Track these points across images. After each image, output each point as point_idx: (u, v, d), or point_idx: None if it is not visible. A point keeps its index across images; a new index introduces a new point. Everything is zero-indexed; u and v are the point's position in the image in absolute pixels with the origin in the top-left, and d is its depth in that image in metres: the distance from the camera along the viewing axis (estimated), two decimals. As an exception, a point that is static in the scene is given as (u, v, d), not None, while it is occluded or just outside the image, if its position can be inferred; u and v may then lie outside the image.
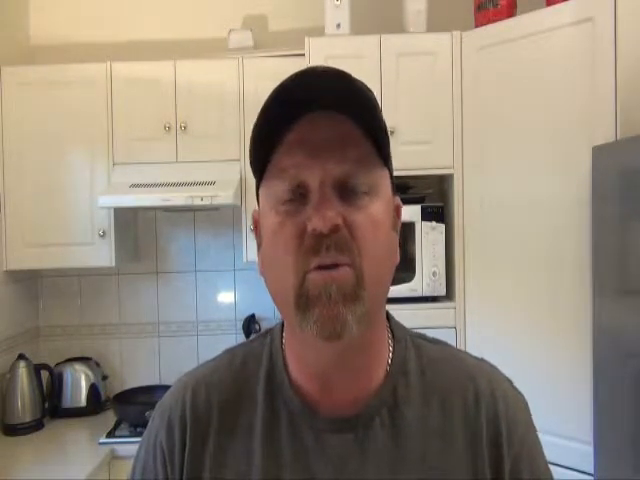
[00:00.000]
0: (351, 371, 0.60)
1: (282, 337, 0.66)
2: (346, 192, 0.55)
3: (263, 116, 0.56)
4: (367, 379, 0.61)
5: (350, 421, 0.60)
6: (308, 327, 0.54)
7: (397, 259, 0.61)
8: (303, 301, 0.54)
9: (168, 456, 0.62)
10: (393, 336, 0.66)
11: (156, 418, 0.66)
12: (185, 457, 0.62)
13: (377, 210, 0.57)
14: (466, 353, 0.71)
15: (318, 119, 0.55)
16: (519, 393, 0.67)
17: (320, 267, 0.54)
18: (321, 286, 0.53)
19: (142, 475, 0.65)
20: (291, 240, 0.55)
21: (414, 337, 0.68)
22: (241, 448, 0.61)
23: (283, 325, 0.66)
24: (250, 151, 0.59)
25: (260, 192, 0.61)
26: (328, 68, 0.55)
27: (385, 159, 0.59)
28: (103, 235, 2.16)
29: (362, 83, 0.56)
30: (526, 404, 0.66)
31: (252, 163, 0.60)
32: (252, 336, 0.76)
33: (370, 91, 0.56)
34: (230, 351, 0.69)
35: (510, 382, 0.67)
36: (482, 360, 0.69)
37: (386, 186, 0.60)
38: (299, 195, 0.55)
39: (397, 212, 0.63)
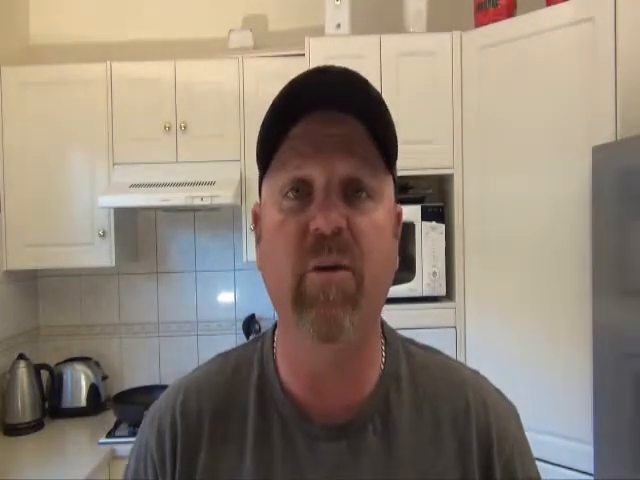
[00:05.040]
0: (344, 375, 0.59)
1: (274, 341, 0.65)
2: (351, 194, 0.55)
3: (272, 110, 0.56)
4: (360, 384, 0.61)
5: (343, 428, 0.59)
6: (304, 327, 0.54)
7: (396, 266, 0.61)
8: (300, 301, 0.54)
9: (159, 465, 0.62)
10: (385, 341, 0.65)
11: (146, 425, 0.65)
12: (177, 466, 0.61)
13: (380, 216, 0.56)
14: (458, 362, 0.71)
15: (326, 116, 0.55)
16: (510, 404, 0.67)
17: (320, 268, 0.53)
18: (319, 287, 0.53)
19: None
20: (292, 239, 0.54)
21: (405, 342, 0.67)
22: (233, 455, 0.60)
23: (275, 329, 0.66)
24: (257, 144, 0.59)
25: (263, 185, 0.61)
26: (344, 69, 0.54)
27: (390, 167, 0.59)
28: (103, 235, 2.16)
29: (375, 89, 0.55)
30: (517, 415, 0.66)
31: (258, 156, 0.60)
32: (251, 337, 0.75)
33: (382, 99, 0.56)
34: (223, 355, 0.68)
35: (501, 393, 0.67)
36: (474, 371, 0.68)
37: (389, 193, 0.59)
38: (303, 192, 0.55)
39: (398, 220, 0.63)
